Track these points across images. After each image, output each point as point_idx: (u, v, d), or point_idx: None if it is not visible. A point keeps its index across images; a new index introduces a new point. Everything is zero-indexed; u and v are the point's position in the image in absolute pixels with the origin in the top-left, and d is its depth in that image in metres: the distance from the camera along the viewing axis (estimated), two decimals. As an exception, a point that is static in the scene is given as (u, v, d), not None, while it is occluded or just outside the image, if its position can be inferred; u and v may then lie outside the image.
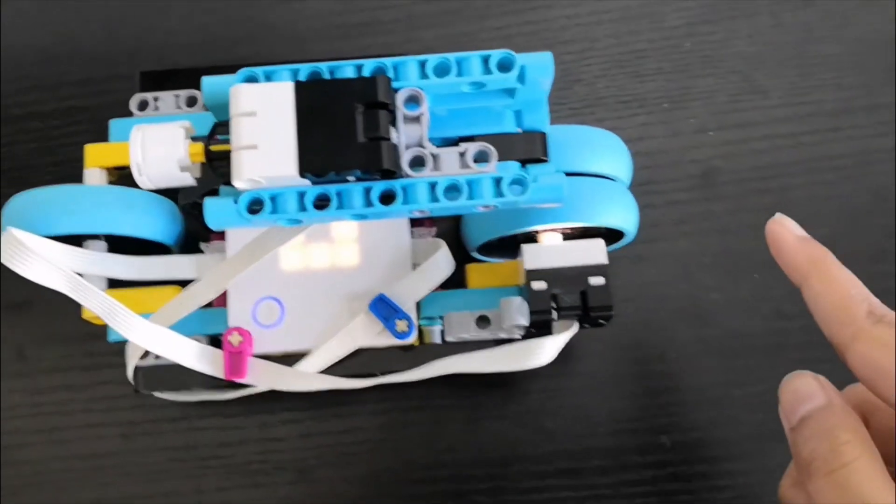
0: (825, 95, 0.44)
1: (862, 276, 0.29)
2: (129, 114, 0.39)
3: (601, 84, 0.44)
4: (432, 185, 0.29)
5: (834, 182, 0.42)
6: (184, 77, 0.38)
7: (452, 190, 0.29)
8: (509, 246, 0.37)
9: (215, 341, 0.35)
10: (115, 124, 0.37)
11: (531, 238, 0.35)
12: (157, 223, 0.35)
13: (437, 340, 0.35)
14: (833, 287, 0.29)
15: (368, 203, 0.29)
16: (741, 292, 0.41)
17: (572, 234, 0.35)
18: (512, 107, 0.32)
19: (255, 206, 0.29)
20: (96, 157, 0.36)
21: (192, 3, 0.45)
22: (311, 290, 0.34)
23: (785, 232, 0.31)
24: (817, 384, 0.28)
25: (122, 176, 0.37)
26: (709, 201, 0.42)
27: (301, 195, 0.28)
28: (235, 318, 0.34)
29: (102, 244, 0.36)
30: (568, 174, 0.33)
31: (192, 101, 0.38)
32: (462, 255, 0.37)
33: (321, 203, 0.29)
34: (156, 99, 0.38)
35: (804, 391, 0.28)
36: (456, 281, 0.35)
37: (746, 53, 0.44)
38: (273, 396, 0.36)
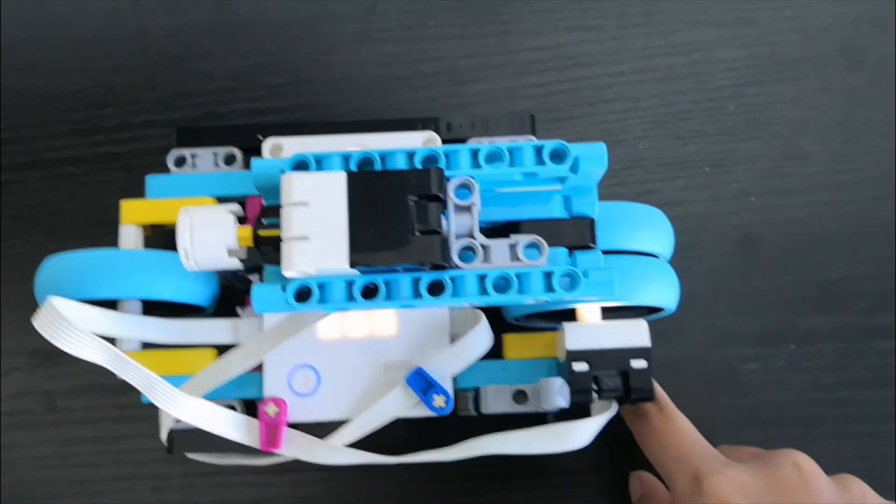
0: (869, 163, 0.43)
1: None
2: (164, 162, 0.39)
3: (642, 145, 0.43)
4: (481, 278, 0.29)
5: (876, 253, 0.42)
6: (221, 133, 0.38)
7: (502, 283, 0.29)
8: (549, 314, 0.37)
9: (249, 404, 0.35)
10: (151, 180, 0.37)
11: (571, 310, 0.35)
12: (194, 287, 0.35)
13: (471, 406, 0.34)
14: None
15: (417, 294, 0.29)
16: (778, 362, 0.41)
17: (612, 308, 0.35)
18: (561, 192, 0.32)
19: (303, 295, 0.29)
20: (132, 214, 0.36)
21: (231, 48, 0.45)
22: (347, 358, 0.34)
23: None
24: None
25: (157, 233, 0.37)
26: (748, 268, 0.42)
27: (349, 284, 0.29)
28: (271, 385, 0.34)
29: (137, 305, 0.36)
30: (611, 252, 0.34)
31: (230, 159, 0.37)
32: (500, 321, 0.37)
33: (369, 293, 0.29)
34: (193, 156, 0.37)
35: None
36: (493, 349, 0.35)
37: (791, 117, 0.44)
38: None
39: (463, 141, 0.36)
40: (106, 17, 0.46)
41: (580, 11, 0.46)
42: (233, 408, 0.35)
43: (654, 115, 0.44)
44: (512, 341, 0.36)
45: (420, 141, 0.35)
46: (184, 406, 0.33)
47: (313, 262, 0.27)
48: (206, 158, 0.38)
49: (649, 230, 0.35)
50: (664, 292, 0.34)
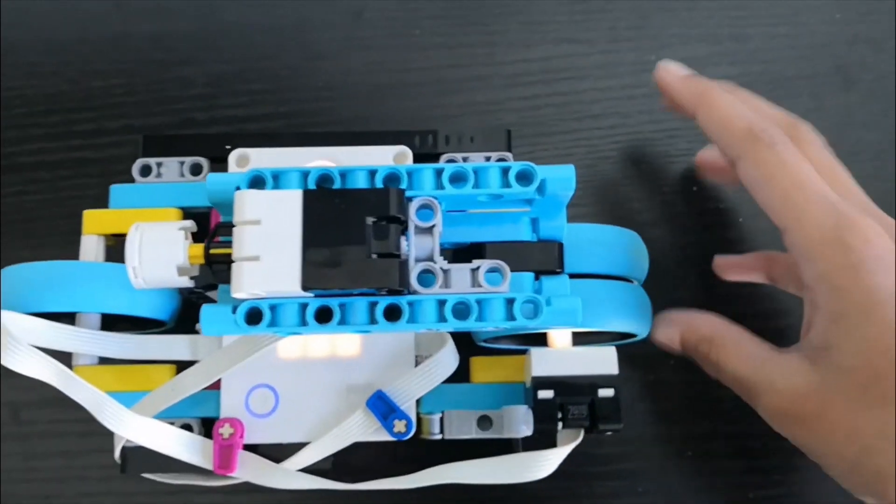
0: (862, 184, 0.41)
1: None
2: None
3: (630, 162, 0.42)
4: (440, 303, 0.27)
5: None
6: (188, 142, 0.37)
7: (462, 309, 0.28)
8: (519, 336, 0.36)
9: (208, 422, 0.34)
10: (115, 190, 0.36)
11: (542, 333, 0.34)
12: (153, 301, 0.34)
13: (436, 430, 0.33)
14: (716, 113, 0.34)
15: (373, 319, 0.27)
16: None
17: (585, 332, 0.34)
18: (529, 214, 0.31)
19: (253, 317, 0.28)
20: (95, 225, 0.35)
21: (212, 54, 0.45)
22: (307, 379, 0.33)
23: (670, 75, 0.36)
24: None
25: (120, 242, 0.36)
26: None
27: (303, 307, 0.27)
28: (228, 404, 0.33)
29: (96, 318, 0.35)
30: (582, 275, 0.33)
31: (196, 169, 0.36)
32: (468, 343, 0.36)
33: (323, 316, 0.28)
34: (159, 165, 0.36)
35: None
36: (460, 371, 0.34)
37: None
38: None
39: (437, 156, 0.36)
40: (87, 21, 0.45)
41: (570, 24, 0.45)
42: (189, 427, 0.34)
43: (643, 132, 0.43)
44: (479, 364, 0.35)
45: (391, 155, 0.34)
46: (133, 426, 0.32)
47: (263, 284, 0.26)
48: (172, 168, 0.37)
49: (622, 254, 0.34)
50: (635, 318, 0.33)
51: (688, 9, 0.45)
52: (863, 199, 0.33)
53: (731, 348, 0.33)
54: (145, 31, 0.45)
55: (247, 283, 0.26)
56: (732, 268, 0.39)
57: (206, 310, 0.28)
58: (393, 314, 0.27)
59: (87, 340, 0.34)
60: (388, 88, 0.44)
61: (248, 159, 0.34)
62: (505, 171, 0.28)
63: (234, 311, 0.28)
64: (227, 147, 0.35)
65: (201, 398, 0.34)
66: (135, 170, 0.37)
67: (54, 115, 0.43)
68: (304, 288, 0.27)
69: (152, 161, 0.37)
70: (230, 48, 0.44)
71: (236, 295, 0.27)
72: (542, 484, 0.37)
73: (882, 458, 0.28)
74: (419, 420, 0.34)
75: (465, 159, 0.36)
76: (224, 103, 0.44)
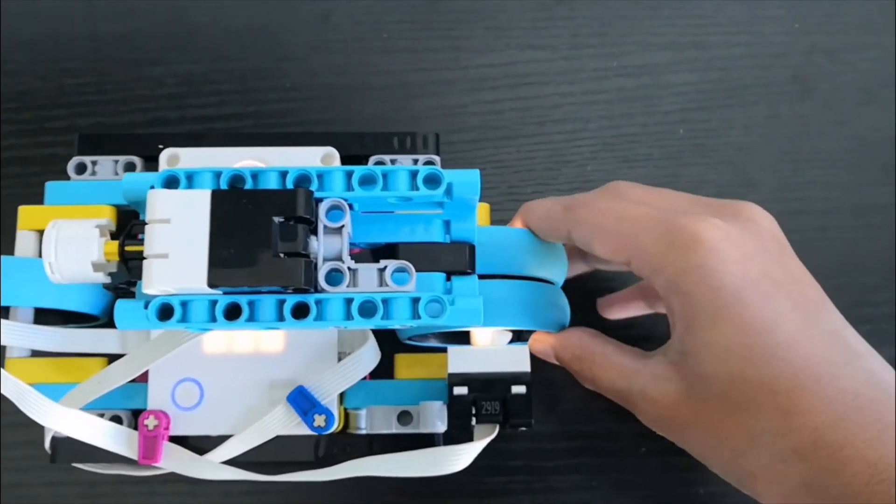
0: (815, 192, 0.43)
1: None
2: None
3: (590, 167, 0.43)
4: (347, 301, 0.28)
5: (819, 281, 0.41)
6: (123, 141, 0.38)
7: (368, 307, 0.28)
8: (444, 334, 0.36)
9: (137, 413, 0.35)
10: (50, 187, 0.36)
11: (467, 331, 0.35)
12: (84, 296, 0.35)
13: (363, 424, 0.34)
14: (535, 216, 0.34)
15: (281, 316, 0.28)
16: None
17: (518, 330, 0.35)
18: (441, 216, 0.31)
19: (165, 312, 0.28)
20: (29, 220, 0.36)
21: (182, 55, 0.45)
22: (232, 374, 0.34)
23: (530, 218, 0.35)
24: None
25: None
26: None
27: (213, 304, 0.28)
28: (155, 397, 0.34)
29: (28, 312, 0.35)
30: (503, 276, 0.33)
31: (130, 168, 0.37)
32: (393, 340, 0.36)
33: (232, 313, 0.28)
34: (94, 163, 0.37)
35: None
36: (385, 368, 0.35)
37: (740, 144, 0.44)
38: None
39: (365, 158, 0.36)
40: (58, 20, 0.45)
41: (533, 31, 0.45)
42: (119, 418, 0.34)
43: (603, 136, 0.44)
44: (403, 361, 0.36)
45: (319, 156, 0.35)
46: (58, 417, 0.32)
47: (172, 280, 0.27)
48: (106, 166, 0.37)
49: (536, 256, 0.34)
50: (542, 317, 0.34)
51: (649, 17, 0.46)
52: (704, 204, 0.32)
53: (602, 362, 0.33)
54: (116, 31, 0.45)
55: (156, 279, 0.27)
56: (613, 305, 0.39)
57: (119, 305, 0.29)
58: (301, 312, 0.28)
59: (17, 333, 0.34)
60: (355, 91, 0.44)
61: (178, 159, 0.35)
62: (413, 175, 0.29)
63: (146, 306, 0.28)
64: (160, 147, 0.36)
65: (131, 391, 0.35)
66: (70, 167, 0.37)
67: (26, 112, 0.44)
68: (210, 285, 0.27)
69: (87, 159, 0.37)
70: (199, 49, 0.45)
71: (147, 291, 0.28)
72: (502, 478, 0.38)
73: (749, 461, 0.29)
74: (346, 415, 0.35)
75: (393, 161, 0.36)
76: (193, 103, 0.44)
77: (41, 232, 0.36)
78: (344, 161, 0.35)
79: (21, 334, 0.34)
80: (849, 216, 0.43)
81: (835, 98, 0.45)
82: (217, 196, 0.28)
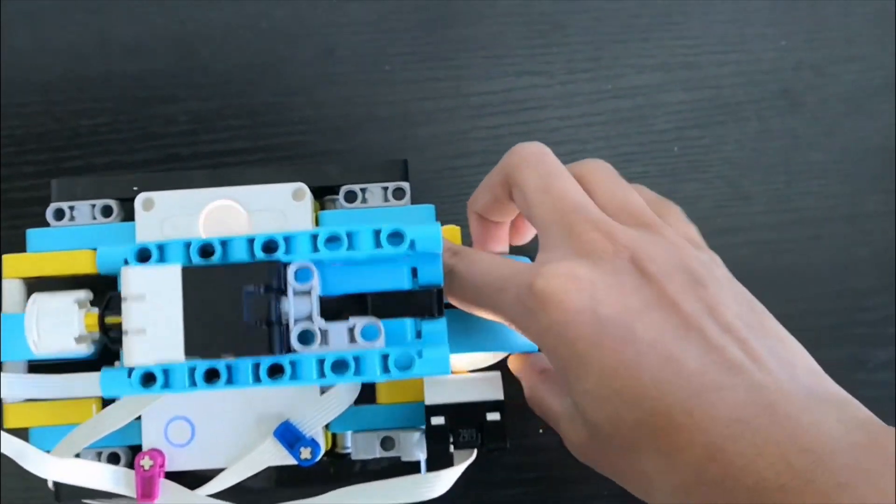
0: (809, 202, 0.44)
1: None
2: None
3: (588, 186, 0.44)
4: (320, 362, 0.29)
5: (814, 290, 0.43)
6: (98, 185, 0.38)
7: (340, 366, 0.30)
8: None
9: (135, 448, 0.36)
10: (31, 234, 0.36)
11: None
12: None
13: (349, 444, 0.35)
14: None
15: (257, 378, 0.30)
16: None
17: None
18: (407, 263, 0.32)
19: (148, 381, 0.30)
20: (13, 269, 0.36)
21: (193, 92, 0.47)
22: (219, 410, 0.35)
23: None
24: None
25: (39, 283, 0.36)
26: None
27: (192, 370, 0.30)
28: (149, 436, 0.34)
29: (22, 363, 0.36)
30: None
31: (107, 211, 0.37)
32: None
33: (211, 377, 0.30)
34: (72, 209, 0.36)
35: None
36: (369, 393, 0.36)
37: (733, 159, 0.45)
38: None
39: (337, 188, 0.37)
40: (73, 62, 0.46)
41: (529, 57, 0.46)
42: (117, 455, 0.36)
43: (600, 156, 0.42)
44: (384, 387, 0.36)
45: (290, 192, 0.35)
46: (56, 468, 0.34)
47: (151, 354, 0.28)
48: (83, 211, 0.37)
49: None
50: (516, 340, 0.35)
51: (641, 39, 0.47)
52: (568, 216, 0.31)
53: (538, 404, 0.34)
54: (129, 70, 0.46)
55: (136, 355, 0.29)
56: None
57: (104, 373, 0.30)
58: (275, 373, 0.30)
59: (13, 384, 0.35)
60: (360, 121, 0.45)
61: (153, 203, 0.35)
62: (377, 233, 0.30)
63: (129, 374, 0.30)
64: (135, 189, 0.36)
65: (126, 428, 0.35)
66: (48, 214, 0.37)
67: (43, 153, 0.45)
68: (188, 355, 0.29)
69: (65, 205, 0.37)
70: (210, 86, 0.46)
71: (129, 365, 0.29)
72: (514, 490, 0.39)
73: (654, 497, 0.28)
74: (333, 436, 0.36)
75: (363, 190, 0.36)
76: (205, 139, 0.45)
77: (26, 280, 0.36)
78: (315, 191, 0.36)
79: (18, 384, 0.35)
80: (841, 224, 0.43)
81: (823, 110, 0.46)
82: (187, 273, 0.29)
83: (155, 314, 0.28)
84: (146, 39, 0.47)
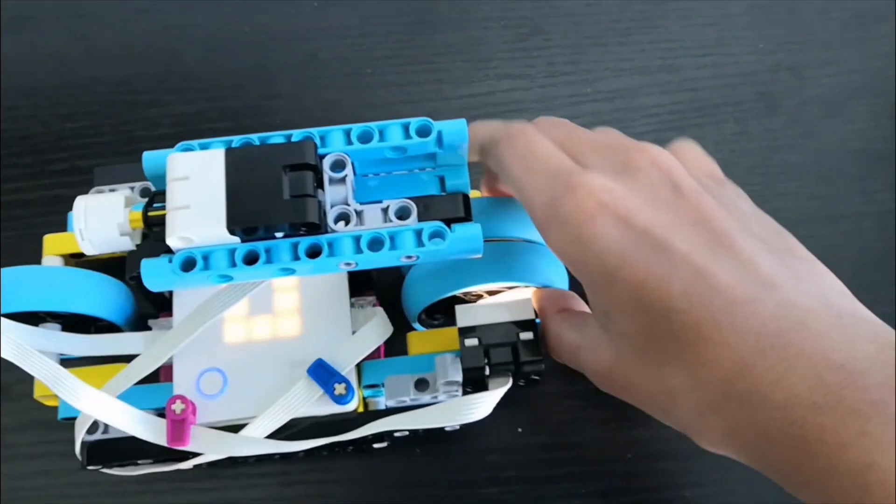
0: (786, 204, 0.44)
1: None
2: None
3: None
4: (356, 239, 0.29)
5: None
6: (137, 169, 0.38)
7: (376, 242, 0.30)
8: (450, 315, 0.37)
9: (161, 414, 0.34)
10: (71, 216, 0.37)
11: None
12: (107, 302, 0.36)
13: (387, 397, 0.35)
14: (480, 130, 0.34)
15: (296, 257, 0.29)
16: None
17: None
18: (435, 172, 0.33)
19: (188, 265, 0.29)
20: (54, 246, 0.37)
21: (177, 96, 0.46)
22: (253, 360, 0.34)
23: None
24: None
25: (78, 263, 0.38)
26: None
27: (231, 252, 0.29)
28: (180, 389, 0.34)
29: (57, 325, 0.36)
30: (500, 240, 0.35)
31: (145, 193, 0.37)
32: (404, 325, 0.37)
33: (251, 259, 0.29)
34: (112, 191, 0.37)
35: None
36: (399, 351, 0.36)
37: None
38: (236, 471, 0.37)
39: None
40: (58, 66, 0.46)
41: (511, 61, 0.47)
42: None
43: None
44: (415, 338, 0.36)
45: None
46: (87, 398, 0.33)
47: (193, 227, 0.28)
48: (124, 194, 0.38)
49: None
50: (550, 272, 0.35)
51: (620, 43, 0.47)
52: (606, 151, 0.30)
53: (556, 341, 0.33)
54: (113, 75, 0.46)
55: (178, 227, 0.28)
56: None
57: (145, 263, 0.30)
58: (314, 253, 0.30)
59: (43, 338, 0.35)
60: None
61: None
62: (406, 127, 0.31)
63: (170, 261, 0.29)
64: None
65: (156, 391, 0.35)
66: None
67: (28, 157, 0.45)
68: (230, 227, 0.28)
69: (105, 188, 0.38)
70: (194, 90, 0.46)
71: (170, 241, 0.29)
72: (496, 488, 0.39)
73: (676, 416, 0.28)
74: (365, 403, 0.36)
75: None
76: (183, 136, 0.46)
77: (64, 256, 0.37)
78: None
79: (49, 339, 0.35)
80: (819, 225, 0.43)
81: (800, 112, 0.46)
82: (230, 153, 0.29)
83: (199, 192, 0.28)
84: (131, 44, 0.47)
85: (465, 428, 0.36)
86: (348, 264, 0.30)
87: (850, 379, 0.24)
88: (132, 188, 0.38)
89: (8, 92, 0.46)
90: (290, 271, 0.30)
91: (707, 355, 0.26)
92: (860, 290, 0.42)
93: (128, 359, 0.35)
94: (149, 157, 0.32)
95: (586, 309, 0.34)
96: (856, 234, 0.44)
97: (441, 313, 0.38)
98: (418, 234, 0.30)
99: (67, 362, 0.36)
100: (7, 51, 0.47)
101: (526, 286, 0.36)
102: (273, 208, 0.29)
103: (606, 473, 0.40)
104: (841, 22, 0.47)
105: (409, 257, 0.31)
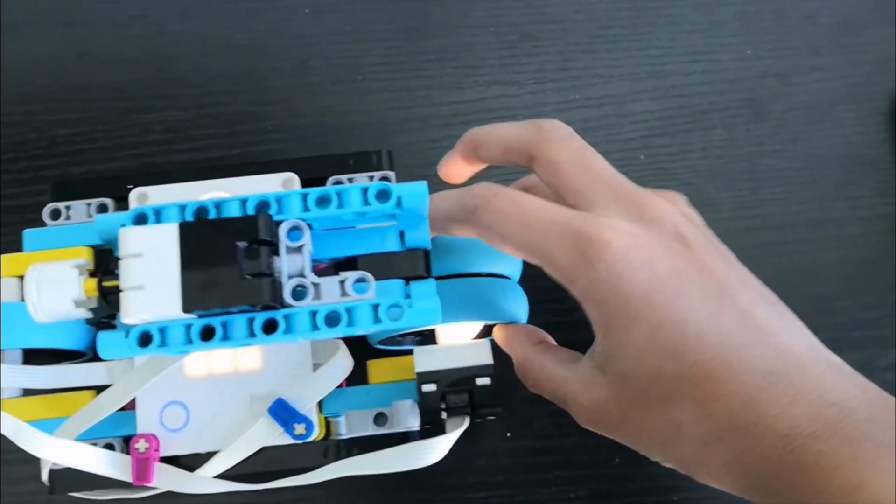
0: (773, 209, 0.44)
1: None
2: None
3: (557, 191, 0.45)
4: (313, 314, 0.29)
5: (779, 295, 0.43)
6: (94, 185, 0.39)
7: (333, 317, 0.29)
8: (411, 335, 0.38)
9: (129, 439, 0.36)
10: (28, 234, 0.36)
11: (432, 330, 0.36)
12: (70, 334, 0.35)
13: (343, 430, 0.35)
14: (433, 213, 0.33)
15: (252, 333, 0.29)
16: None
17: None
18: (396, 227, 0.32)
19: (145, 339, 0.29)
20: (11, 268, 0.36)
21: (169, 102, 0.46)
22: (214, 394, 0.34)
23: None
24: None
25: None
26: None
27: (188, 327, 0.29)
28: (144, 422, 0.34)
29: (17, 354, 0.36)
30: (463, 275, 0.35)
31: (102, 210, 0.37)
32: (366, 348, 0.37)
33: (207, 335, 0.29)
34: (68, 208, 0.37)
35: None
36: (359, 374, 0.35)
37: (699, 167, 0.45)
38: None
39: (324, 179, 0.37)
40: (52, 72, 0.46)
41: (500, 67, 0.46)
42: (112, 446, 0.35)
43: None
44: (375, 367, 0.36)
45: (279, 182, 0.35)
46: (52, 448, 0.33)
47: (149, 309, 0.28)
48: (79, 210, 0.38)
49: (493, 254, 0.35)
50: (513, 309, 0.36)
51: (609, 50, 0.46)
52: (615, 196, 0.31)
53: (539, 372, 0.34)
54: (106, 81, 0.46)
55: (134, 309, 0.28)
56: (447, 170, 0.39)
57: (101, 336, 0.29)
58: (270, 327, 0.29)
59: (9, 374, 0.35)
60: (335, 130, 0.45)
61: (147, 197, 0.35)
62: (364, 191, 0.30)
63: (126, 335, 0.29)
64: (129, 187, 0.36)
65: (121, 419, 0.35)
66: (45, 214, 0.38)
67: (21, 162, 0.45)
68: (185, 310, 0.28)
69: (61, 205, 0.38)
70: (186, 96, 0.45)
71: (126, 321, 0.29)
72: (484, 493, 0.40)
73: (678, 449, 0.30)
74: (327, 423, 0.35)
75: (350, 180, 0.37)
76: (181, 147, 0.45)
77: (23, 278, 0.35)
78: (304, 184, 0.35)
79: (13, 374, 0.35)
80: (806, 230, 0.43)
81: (787, 118, 0.46)
82: (184, 228, 0.29)
83: (152, 271, 0.28)
84: (124, 50, 0.47)
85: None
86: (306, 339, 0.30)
87: (843, 414, 0.27)
88: (88, 205, 0.38)
89: (2, 98, 0.46)
90: (247, 345, 0.30)
91: (718, 391, 0.28)
92: (847, 295, 0.43)
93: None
94: (102, 221, 0.31)
95: (554, 343, 0.36)
96: (842, 238, 0.44)
97: (404, 339, 0.38)
98: (375, 308, 0.30)
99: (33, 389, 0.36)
100: (3, 58, 0.47)
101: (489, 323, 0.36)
102: (228, 290, 0.28)
103: (594, 478, 0.40)
104: (828, 28, 0.48)
105: (366, 332, 0.31)
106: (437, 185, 0.43)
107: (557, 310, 0.40)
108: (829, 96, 0.47)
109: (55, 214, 0.38)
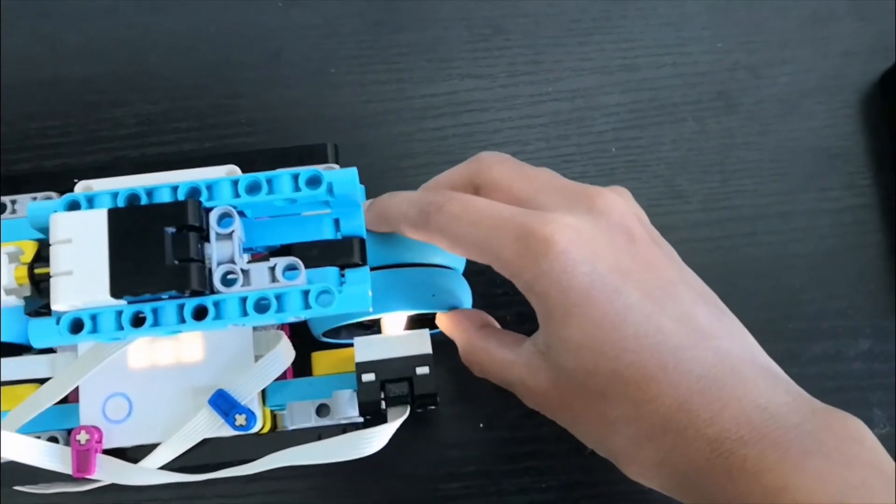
0: (743, 201, 0.43)
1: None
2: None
3: (529, 185, 0.44)
4: (243, 300, 0.29)
5: (749, 286, 0.42)
6: (40, 180, 0.39)
7: (262, 303, 0.29)
8: (355, 327, 0.37)
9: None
10: None
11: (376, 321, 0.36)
12: (11, 326, 0.35)
13: (288, 423, 0.34)
14: (386, 218, 0.34)
15: (182, 319, 0.29)
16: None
17: (417, 317, 0.36)
18: (331, 214, 0.32)
19: (76, 326, 0.29)
20: None
21: (141, 95, 0.46)
22: (157, 385, 0.34)
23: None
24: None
25: None
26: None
27: (119, 314, 0.28)
28: (86, 414, 0.34)
29: None
30: (409, 265, 0.35)
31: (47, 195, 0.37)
32: (310, 340, 0.37)
33: (138, 321, 0.29)
34: (13, 202, 0.37)
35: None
36: (304, 366, 0.36)
37: (670, 159, 0.44)
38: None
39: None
40: (22, 66, 0.45)
41: (472, 60, 0.46)
42: (56, 438, 0.35)
43: (541, 157, 0.44)
44: (319, 358, 0.36)
45: (224, 173, 0.34)
46: None
47: (77, 295, 0.27)
48: (25, 204, 0.38)
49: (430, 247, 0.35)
50: (455, 296, 0.36)
51: (580, 43, 0.46)
52: (562, 193, 0.32)
53: (484, 357, 0.34)
54: (77, 74, 0.45)
55: (62, 295, 0.28)
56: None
57: (33, 323, 0.29)
58: (200, 314, 0.29)
59: None
60: (307, 123, 0.44)
61: (92, 189, 0.33)
62: (295, 177, 0.30)
63: (58, 322, 0.29)
64: (75, 181, 0.34)
65: (64, 411, 0.35)
66: None
67: (-2, 154, 0.44)
68: (113, 295, 0.28)
69: (7, 199, 0.38)
70: (158, 89, 0.45)
71: (55, 307, 0.28)
72: (457, 483, 0.39)
73: (610, 444, 0.31)
74: (274, 416, 0.35)
75: None
76: (154, 141, 0.44)
77: None
78: None
79: None
80: (776, 221, 0.43)
81: (757, 111, 0.45)
82: (113, 214, 0.29)
83: (81, 256, 0.28)
84: (95, 44, 0.46)
85: (425, 423, 0.36)
86: (236, 325, 0.30)
87: (772, 419, 0.27)
88: (35, 198, 0.38)
89: (-28, 92, 0.45)
90: (178, 331, 0.30)
91: (652, 392, 0.29)
92: (815, 286, 0.43)
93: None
94: (34, 209, 0.31)
95: (498, 325, 0.36)
96: (811, 230, 0.43)
97: (348, 332, 0.38)
98: (305, 294, 0.29)
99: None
100: (-30, 51, 0.46)
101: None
102: (156, 275, 0.28)
103: (566, 468, 0.40)
104: (798, 21, 0.47)
105: (297, 318, 0.30)
106: (406, 178, 0.43)
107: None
108: (799, 89, 0.46)
109: (1, 208, 0.38)
